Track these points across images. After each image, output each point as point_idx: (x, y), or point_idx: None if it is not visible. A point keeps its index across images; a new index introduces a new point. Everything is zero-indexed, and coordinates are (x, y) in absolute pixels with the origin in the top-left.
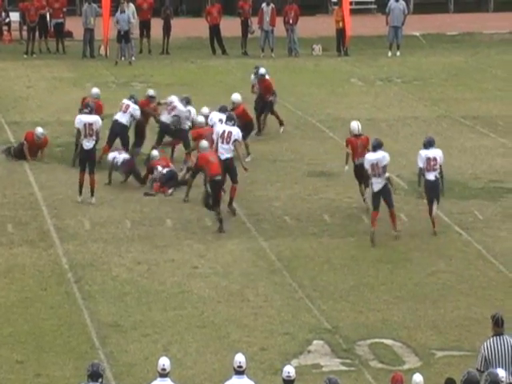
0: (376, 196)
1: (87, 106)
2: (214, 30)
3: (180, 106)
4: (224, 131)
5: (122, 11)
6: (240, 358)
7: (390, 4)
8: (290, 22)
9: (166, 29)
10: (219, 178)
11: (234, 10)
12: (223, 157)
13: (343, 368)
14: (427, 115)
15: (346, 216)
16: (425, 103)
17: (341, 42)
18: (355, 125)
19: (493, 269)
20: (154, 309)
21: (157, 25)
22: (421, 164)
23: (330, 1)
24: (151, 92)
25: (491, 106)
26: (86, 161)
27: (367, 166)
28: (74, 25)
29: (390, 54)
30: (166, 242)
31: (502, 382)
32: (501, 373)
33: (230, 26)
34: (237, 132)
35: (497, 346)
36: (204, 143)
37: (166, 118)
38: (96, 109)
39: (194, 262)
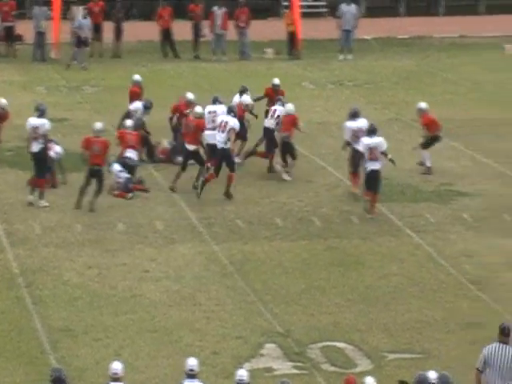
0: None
1: (37, 109)
2: (166, 34)
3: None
4: (222, 121)
5: (85, 17)
6: (192, 362)
7: (342, 8)
8: (242, 25)
9: (118, 32)
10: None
11: (185, 14)
12: (219, 146)
13: (295, 371)
14: (378, 118)
15: (298, 219)
16: (375, 106)
17: (292, 45)
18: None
19: (443, 271)
20: (106, 313)
21: (108, 28)
22: (362, 149)
23: (281, 4)
24: (190, 95)
25: (441, 109)
26: (35, 164)
27: (364, 149)
28: (24, 28)
29: (341, 57)
30: (117, 246)
31: None
32: (431, 375)
33: (182, 30)
34: (233, 122)
35: (498, 351)
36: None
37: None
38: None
39: (145, 265)
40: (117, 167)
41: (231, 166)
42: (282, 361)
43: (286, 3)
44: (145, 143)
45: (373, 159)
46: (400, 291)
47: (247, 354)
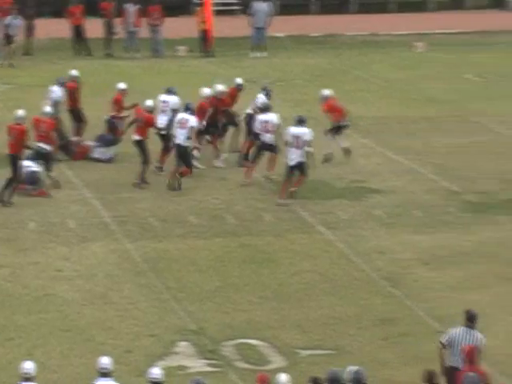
0: (291, 169)
1: None
2: (77, 31)
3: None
4: (182, 118)
5: (16, 17)
6: (105, 361)
7: (254, 5)
8: (155, 22)
9: (29, 29)
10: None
11: (96, 11)
12: (177, 142)
13: (209, 369)
14: (290, 115)
15: (212, 217)
16: (288, 104)
17: (205, 43)
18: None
19: (356, 268)
20: (18, 312)
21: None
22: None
23: (193, 2)
24: (239, 80)
25: (353, 106)
26: None
27: (289, 137)
28: None
29: (253, 55)
30: (30, 245)
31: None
32: (281, 377)
33: (94, 27)
34: (193, 120)
35: (463, 334)
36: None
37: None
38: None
39: (57, 264)
40: (27, 163)
41: (188, 163)
42: (196, 358)
43: (198, 1)
44: (60, 136)
45: (296, 147)
46: (312, 288)
47: (160, 352)
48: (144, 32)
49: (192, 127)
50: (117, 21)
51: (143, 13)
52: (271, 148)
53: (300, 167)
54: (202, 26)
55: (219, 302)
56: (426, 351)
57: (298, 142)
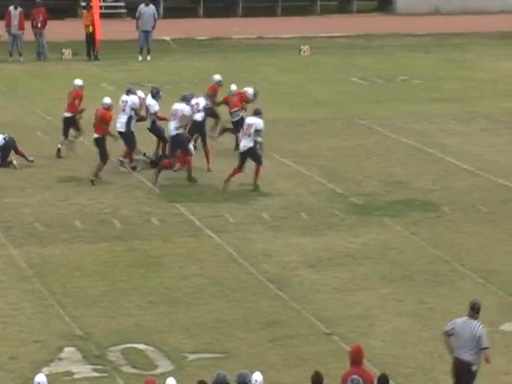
0: (242, 155)
1: None
2: None
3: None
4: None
5: None
6: None
7: (140, 8)
8: (39, 25)
9: None
10: None
11: None
12: (171, 133)
13: (95, 374)
14: None
15: (98, 221)
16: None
17: (91, 46)
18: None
19: (243, 271)
20: None
21: None
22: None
23: (79, 5)
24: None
25: None
26: None
27: (244, 125)
28: None
29: (140, 58)
30: None
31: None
32: (255, 376)
33: None
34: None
35: (463, 323)
36: None
37: None
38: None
39: None
40: None
41: (185, 151)
42: (82, 364)
43: (84, 4)
44: None
45: (246, 136)
46: (200, 291)
47: (46, 358)
48: (28, 35)
49: (183, 115)
50: (0, 24)
51: (27, 16)
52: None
53: (251, 154)
54: (88, 29)
55: (106, 307)
56: (313, 353)
57: (249, 130)
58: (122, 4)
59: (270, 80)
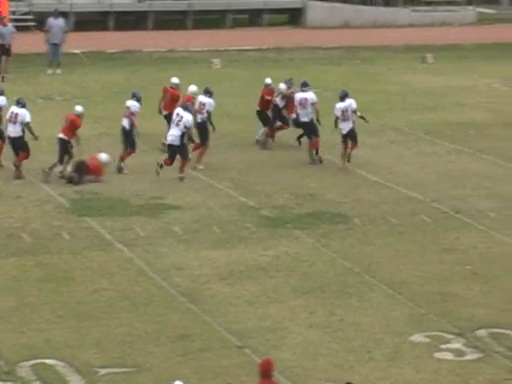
0: (344, 137)
1: None
2: None
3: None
4: (178, 114)
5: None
6: None
7: (49, 21)
8: None
9: None
10: None
11: None
12: (170, 140)
13: None
14: (89, 133)
15: (7, 236)
16: (86, 120)
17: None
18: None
19: (154, 285)
20: None
21: None
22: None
23: None
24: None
25: (151, 123)
26: None
27: (338, 112)
28: None
29: (50, 71)
30: None
31: None
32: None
33: None
34: (188, 117)
35: None
36: None
37: None
38: None
39: None
40: None
41: (183, 156)
42: None
43: None
44: None
45: (345, 120)
46: (111, 306)
47: None
48: None
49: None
50: None
51: None
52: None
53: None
54: None
55: (15, 322)
56: (224, 366)
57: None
58: (31, 16)
59: (182, 93)
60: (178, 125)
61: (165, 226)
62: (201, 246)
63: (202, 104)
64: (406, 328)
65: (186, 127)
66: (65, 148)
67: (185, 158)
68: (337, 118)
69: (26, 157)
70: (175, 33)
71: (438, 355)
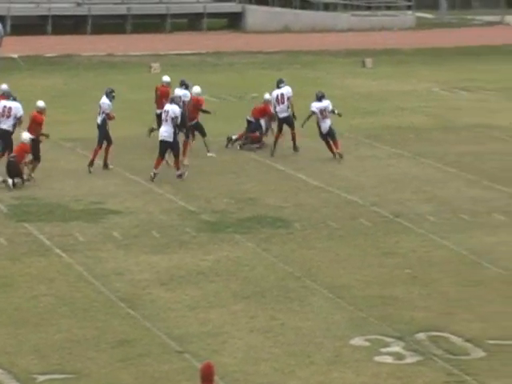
0: (324, 136)
1: None
2: None
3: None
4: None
5: None
6: None
7: None
8: None
9: None
10: None
11: None
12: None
13: None
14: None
15: None
16: (27, 125)
17: None
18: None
19: (94, 290)
20: None
21: None
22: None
23: None
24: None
25: (91, 128)
26: None
27: (317, 111)
28: None
29: None
30: None
31: None
32: None
33: None
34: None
35: None
36: None
37: None
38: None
39: None
40: None
41: (175, 153)
42: None
43: None
44: None
45: (324, 118)
46: (50, 312)
47: None
48: None
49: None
50: None
51: None
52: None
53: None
54: None
55: None
56: (165, 371)
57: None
58: None
59: (122, 97)
60: (166, 120)
61: (104, 231)
62: (141, 251)
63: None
64: (346, 332)
65: (172, 118)
66: (36, 147)
67: (176, 154)
68: (310, 116)
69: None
70: (114, 37)
71: (378, 359)
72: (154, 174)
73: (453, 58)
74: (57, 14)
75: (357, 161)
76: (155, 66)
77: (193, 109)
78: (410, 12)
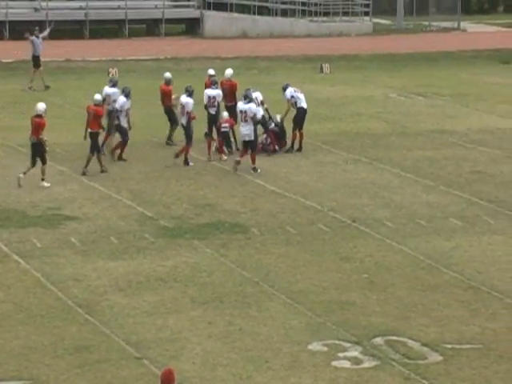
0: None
1: None
2: None
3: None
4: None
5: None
6: None
7: None
8: None
9: None
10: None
11: None
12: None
13: None
14: None
15: None
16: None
17: None
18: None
19: (52, 296)
20: None
21: None
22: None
23: None
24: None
25: (49, 133)
26: None
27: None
28: None
29: None
30: None
31: None
32: None
33: None
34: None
35: None
36: None
37: None
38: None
39: None
40: None
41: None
42: None
43: None
44: None
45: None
46: (7, 318)
47: None
48: None
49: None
50: None
51: None
52: None
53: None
54: None
55: None
56: (123, 377)
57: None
58: None
59: (79, 103)
60: (246, 120)
61: (62, 237)
62: (98, 257)
63: (182, 106)
64: (304, 337)
65: (251, 117)
66: (39, 150)
67: (253, 148)
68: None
69: None
70: (72, 42)
71: (335, 363)
72: (238, 162)
73: (410, 63)
74: (14, 19)
75: (314, 166)
76: (113, 71)
77: (229, 92)
78: (367, 18)
